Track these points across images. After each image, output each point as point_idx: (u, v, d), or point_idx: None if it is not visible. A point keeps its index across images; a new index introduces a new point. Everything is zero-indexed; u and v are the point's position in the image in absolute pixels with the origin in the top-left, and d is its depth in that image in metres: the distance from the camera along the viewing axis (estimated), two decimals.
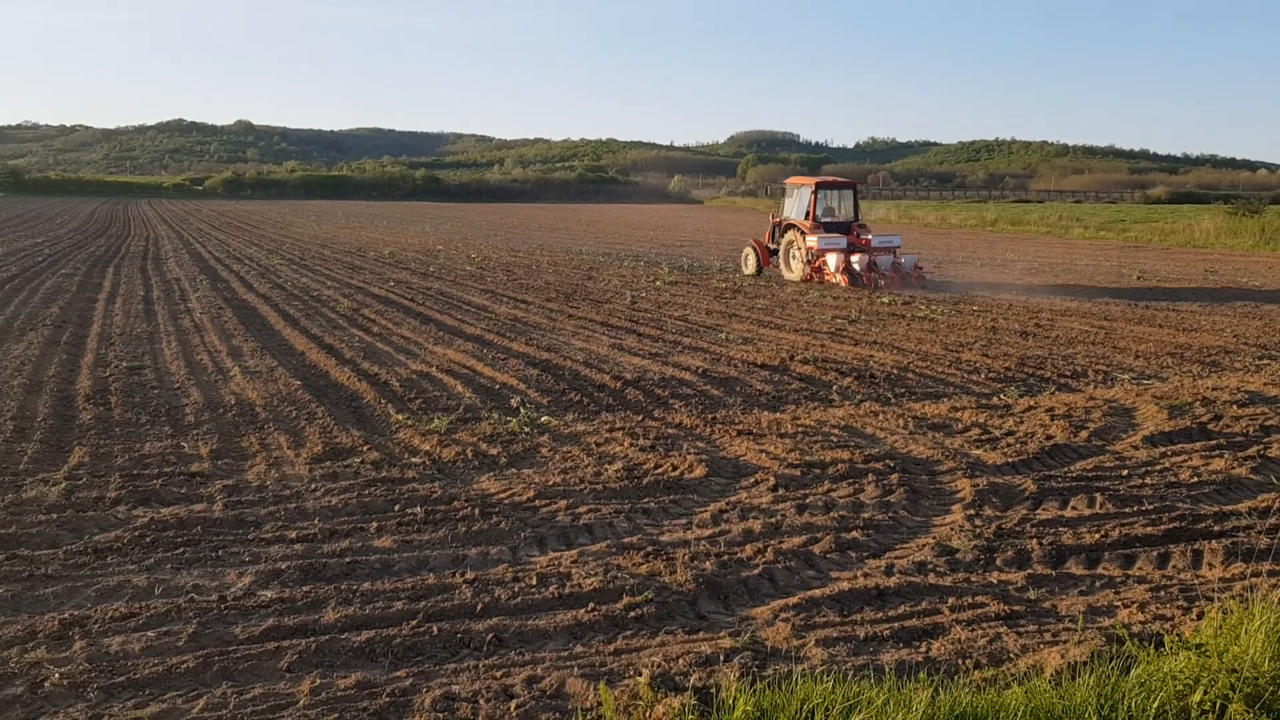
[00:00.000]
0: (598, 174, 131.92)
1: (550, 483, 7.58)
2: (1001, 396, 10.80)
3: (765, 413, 9.99)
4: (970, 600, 5.46)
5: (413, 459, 8.24)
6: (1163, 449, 8.68)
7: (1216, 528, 6.67)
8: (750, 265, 24.84)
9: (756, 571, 5.86)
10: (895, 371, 12.08)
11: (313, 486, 7.44)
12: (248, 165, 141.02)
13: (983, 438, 9.02)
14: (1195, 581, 5.84)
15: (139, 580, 5.65)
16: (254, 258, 29.01)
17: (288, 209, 71.48)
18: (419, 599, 5.42)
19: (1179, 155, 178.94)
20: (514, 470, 8.00)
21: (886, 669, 4.62)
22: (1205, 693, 4.14)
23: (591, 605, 5.36)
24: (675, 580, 5.66)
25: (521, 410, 9.81)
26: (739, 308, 18.31)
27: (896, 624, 5.17)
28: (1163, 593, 5.66)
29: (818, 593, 5.55)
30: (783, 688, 4.27)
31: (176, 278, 23.09)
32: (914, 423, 9.58)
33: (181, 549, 6.14)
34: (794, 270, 23.13)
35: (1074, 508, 7.14)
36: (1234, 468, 8.06)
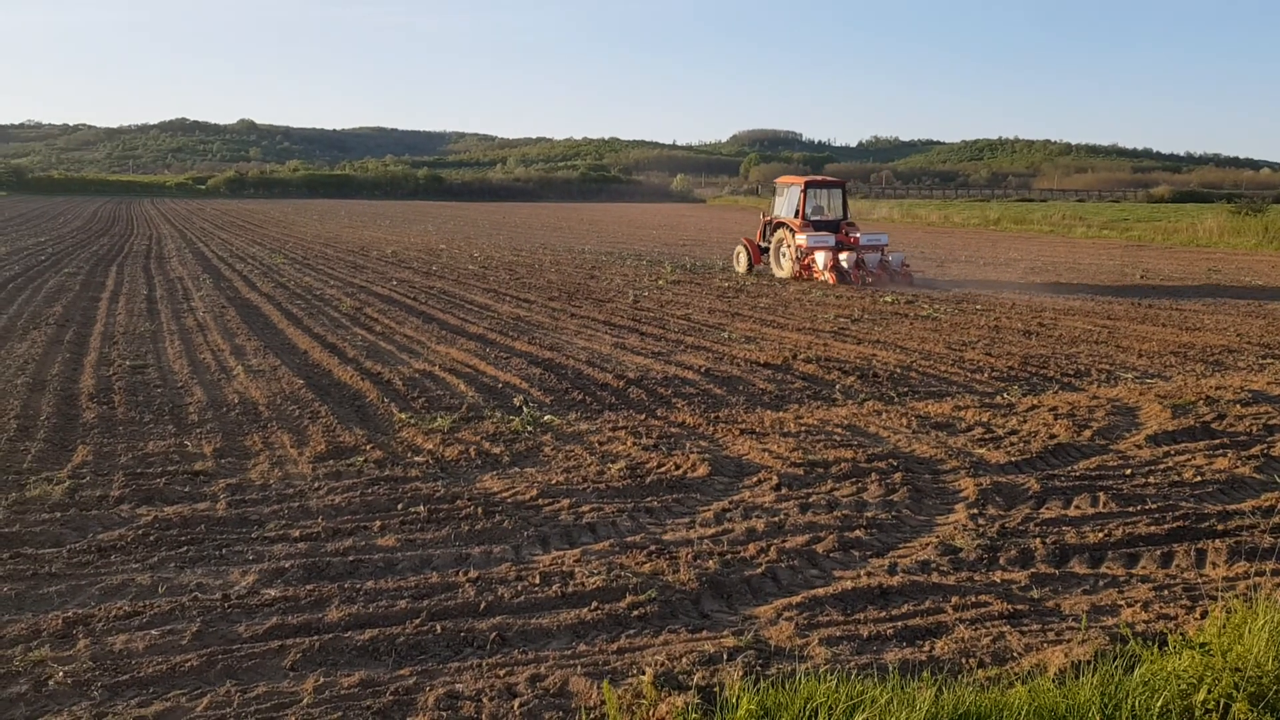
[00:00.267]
0: (600, 173, 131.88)
1: (553, 481, 7.58)
2: (1005, 395, 10.79)
3: (768, 412, 9.98)
4: (974, 599, 5.46)
5: (416, 458, 8.24)
6: (1166, 448, 8.67)
7: (1220, 527, 6.66)
8: (742, 263, 25.14)
9: (760, 570, 5.86)
10: (898, 370, 12.08)
11: (316, 485, 7.44)
12: (250, 164, 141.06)
13: (986, 437, 9.01)
14: (1199, 581, 5.84)
15: (143, 579, 5.66)
16: (257, 257, 29.03)
17: (290, 208, 71.52)
18: (422, 598, 5.43)
19: (1182, 154, 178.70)
20: (517, 469, 8.00)
21: (890, 668, 4.62)
22: (1209, 692, 4.14)
23: (595, 604, 5.36)
24: (678, 579, 5.66)
25: (524, 409, 9.81)
26: (742, 306, 18.30)
27: (900, 623, 5.17)
28: (1166, 592, 5.66)
29: (821, 592, 5.55)
30: (786, 687, 4.27)
31: (179, 277, 23.11)
32: (917, 422, 9.58)
33: (185, 548, 6.15)
34: (784, 268, 23.43)
35: (1077, 507, 7.13)
36: (1237, 467, 8.05)
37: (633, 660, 4.76)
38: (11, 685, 4.47)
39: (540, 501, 7.11)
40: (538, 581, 5.65)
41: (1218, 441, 8.86)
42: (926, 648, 4.91)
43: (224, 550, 6.13)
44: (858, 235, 23.02)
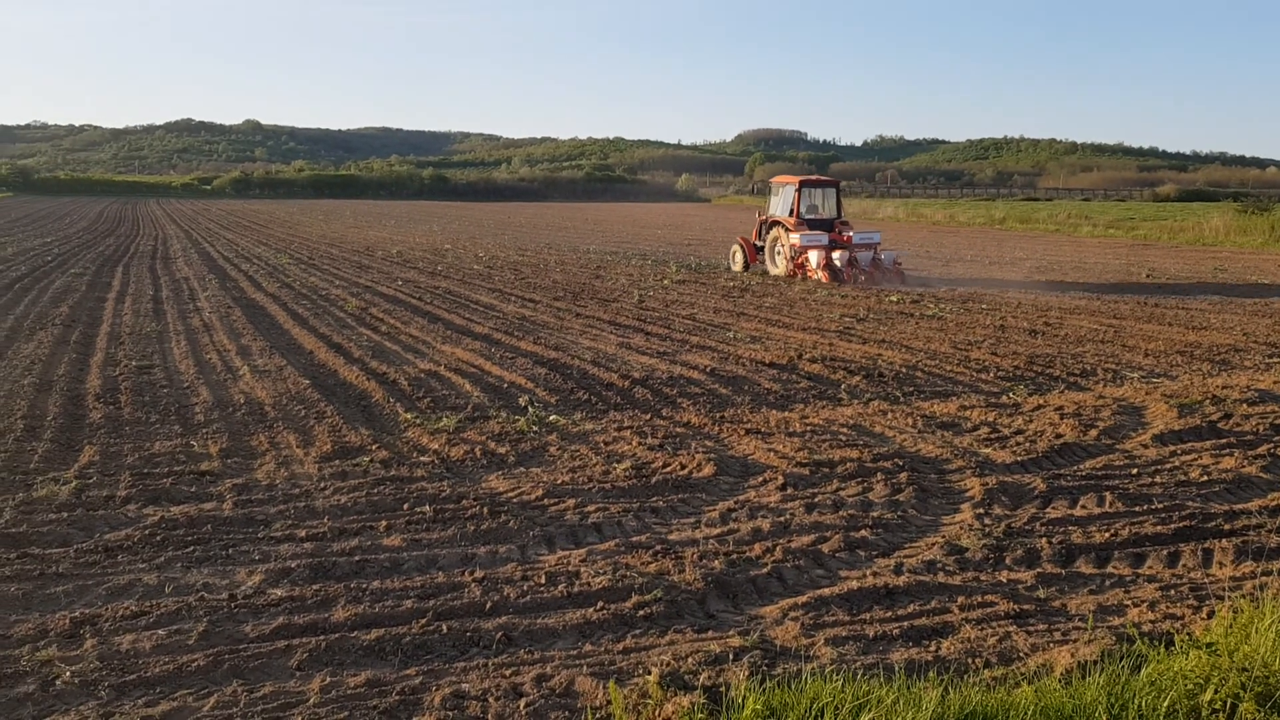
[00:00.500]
0: (605, 173, 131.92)
1: (558, 481, 7.59)
2: (1010, 395, 10.78)
3: (774, 411, 9.98)
4: (980, 599, 5.45)
5: (421, 458, 8.25)
6: (1172, 447, 8.65)
7: (1227, 526, 6.65)
8: (738, 262, 25.43)
9: (765, 570, 5.86)
10: (904, 370, 12.07)
11: (322, 485, 7.45)
12: (256, 165, 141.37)
13: (992, 436, 9.00)
14: (1205, 580, 5.83)
15: (149, 579, 5.67)
16: (262, 257, 29.07)
17: (296, 208, 71.64)
18: (428, 597, 5.43)
19: (1188, 153, 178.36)
20: (522, 469, 8.01)
21: (896, 668, 4.62)
22: (1216, 692, 4.14)
23: (600, 604, 5.36)
24: (684, 579, 5.67)
25: (530, 409, 9.81)
26: (747, 306, 18.30)
27: (906, 623, 5.16)
28: (1173, 591, 5.65)
29: (827, 592, 5.55)
30: (792, 686, 4.27)
31: (185, 277, 23.15)
32: (923, 421, 9.57)
33: (191, 547, 6.16)
34: (778, 266, 23.70)
35: (1083, 506, 7.12)
36: (1244, 466, 8.03)
37: (638, 660, 4.76)
38: (19, 685, 4.49)
39: (546, 501, 7.12)
40: (543, 581, 5.65)
41: (1224, 441, 8.84)
42: (933, 648, 4.91)
43: (230, 550, 6.14)
44: (851, 234, 23.28)
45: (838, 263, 22.31)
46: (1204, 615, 5.24)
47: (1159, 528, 6.60)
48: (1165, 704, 4.09)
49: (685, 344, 13.97)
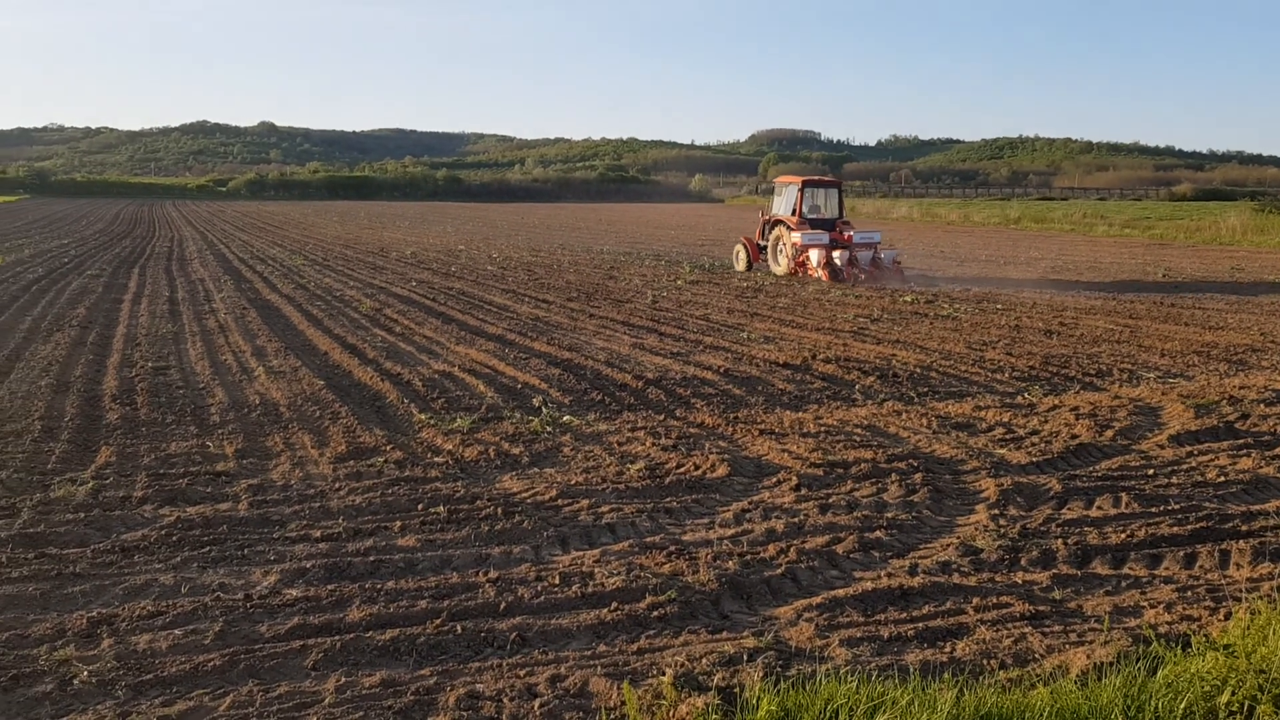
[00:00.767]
0: (618, 173, 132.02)
1: (572, 482, 7.60)
2: (1026, 395, 10.74)
3: (788, 412, 9.97)
4: (995, 600, 5.44)
5: (435, 458, 8.27)
6: (1189, 448, 8.61)
7: (1244, 527, 6.61)
8: (741, 261, 25.75)
9: (779, 571, 5.86)
10: (918, 370, 12.03)
11: (337, 486, 7.48)
12: (270, 166, 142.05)
13: (1007, 437, 8.97)
14: (1222, 582, 5.80)
15: (166, 579, 5.70)
16: (277, 258, 29.20)
17: (310, 210, 71.92)
18: (443, 598, 5.45)
19: (1204, 152, 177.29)
20: (536, 469, 8.02)
21: (911, 669, 4.61)
22: (1233, 694, 4.11)
23: (614, 604, 5.37)
24: (698, 580, 5.67)
25: (543, 410, 9.83)
26: (760, 307, 18.28)
27: (921, 624, 5.15)
28: (1189, 593, 5.62)
29: (841, 593, 5.54)
30: (806, 688, 4.27)
31: (201, 279, 23.27)
32: (937, 422, 9.54)
33: (207, 548, 6.19)
34: (780, 265, 24.03)
35: (1099, 507, 7.09)
36: (1261, 467, 7.98)
37: (653, 661, 4.76)
38: (37, 684, 4.52)
39: (560, 502, 7.13)
40: (557, 582, 5.66)
41: (1241, 441, 8.79)
42: (948, 649, 4.90)
43: (246, 550, 6.17)
44: (851, 233, 23.63)
45: (838, 262, 22.66)
46: (1221, 617, 5.21)
47: (1175, 529, 6.57)
48: (1182, 706, 4.07)
49: (699, 344, 13.97)
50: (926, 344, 14.07)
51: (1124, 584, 5.77)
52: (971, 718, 4.00)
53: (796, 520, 6.75)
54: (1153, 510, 6.97)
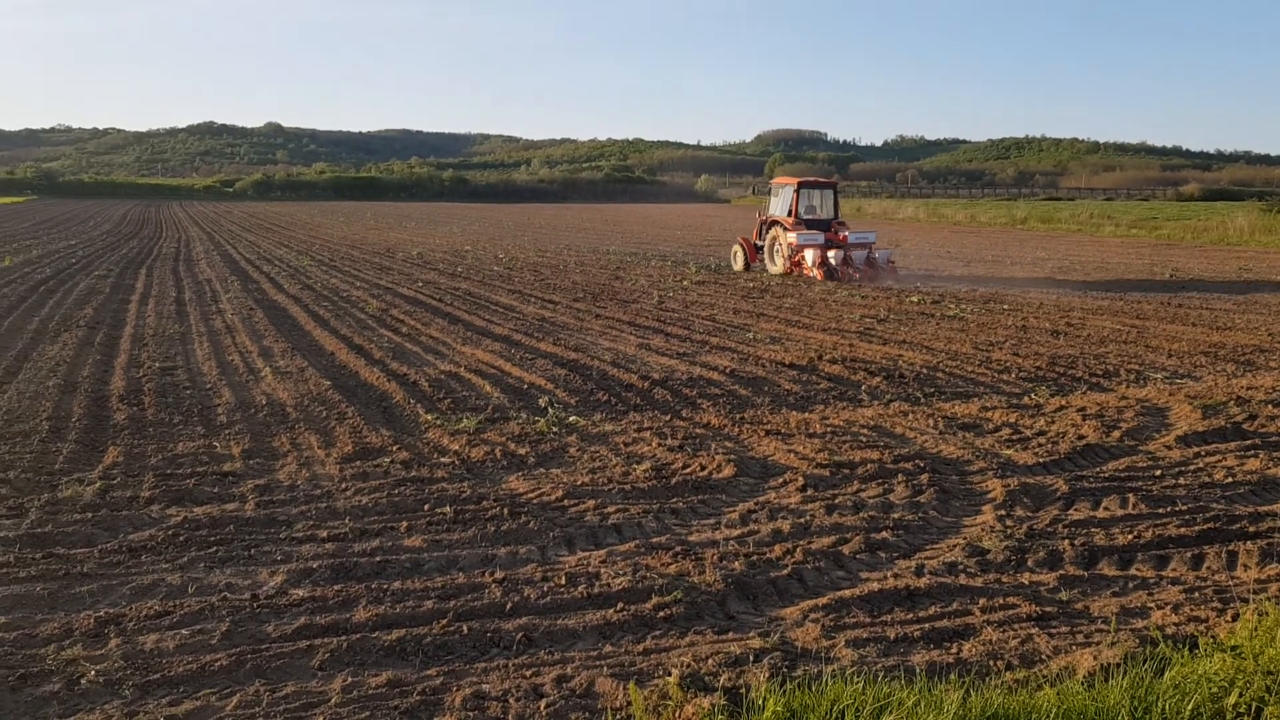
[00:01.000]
0: (624, 174, 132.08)
1: (578, 482, 7.60)
2: (1032, 396, 10.72)
3: (794, 412, 9.96)
4: (1002, 601, 5.43)
5: (442, 459, 8.28)
6: (1196, 449, 8.58)
7: (1251, 528, 6.59)
8: (739, 261, 26.12)
9: (785, 572, 5.85)
10: (925, 371, 12.02)
11: (343, 486, 7.49)
12: (277, 167, 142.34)
13: (1014, 438, 8.95)
14: (1230, 583, 5.78)
15: (173, 579, 5.71)
16: (284, 259, 29.25)
17: (317, 210, 72.03)
18: (449, 598, 5.45)
19: (1212, 152, 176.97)
20: (542, 470, 8.02)
21: (917, 670, 4.61)
22: (1240, 695, 4.10)
23: (620, 605, 5.37)
24: (704, 580, 5.66)
25: (549, 410, 9.83)
26: (766, 307, 18.27)
27: (927, 625, 5.14)
28: (1197, 594, 5.60)
29: (847, 593, 5.53)
30: (813, 688, 4.27)
31: (208, 279, 23.32)
32: (944, 422, 9.53)
33: (214, 548, 6.21)
34: (777, 264, 24.45)
35: (1106, 508, 7.08)
36: (1269, 468, 7.96)
37: (659, 661, 4.76)
38: (44, 684, 4.53)
39: (566, 502, 7.13)
40: (563, 582, 5.66)
41: (1249, 442, 8.76)
42: (954, 650, 4.89)
43: (253, 551, 6.18)
44: (846, 234, 24.05)
45: (833, 261, 23.10)
46: (1228, 618, 5.20)
47: (1183, 530, 6.55)
48: (1189, 707, 4.06)
49: (705, 345, 13.97)
50: (933, 344, 14.05)
51: (1131, 585, 5.76)
52: (978, 719, 4.00)
53: (803, 521, 6.74)
54: (1160, 511, 6.95)
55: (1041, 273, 25.92)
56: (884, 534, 6.50)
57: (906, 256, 30.94)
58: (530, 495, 7.31)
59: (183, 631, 5.02)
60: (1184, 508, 7.02)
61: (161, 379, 11.41)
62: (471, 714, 4.30)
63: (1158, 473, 7.87)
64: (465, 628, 5.07)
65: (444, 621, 5.13)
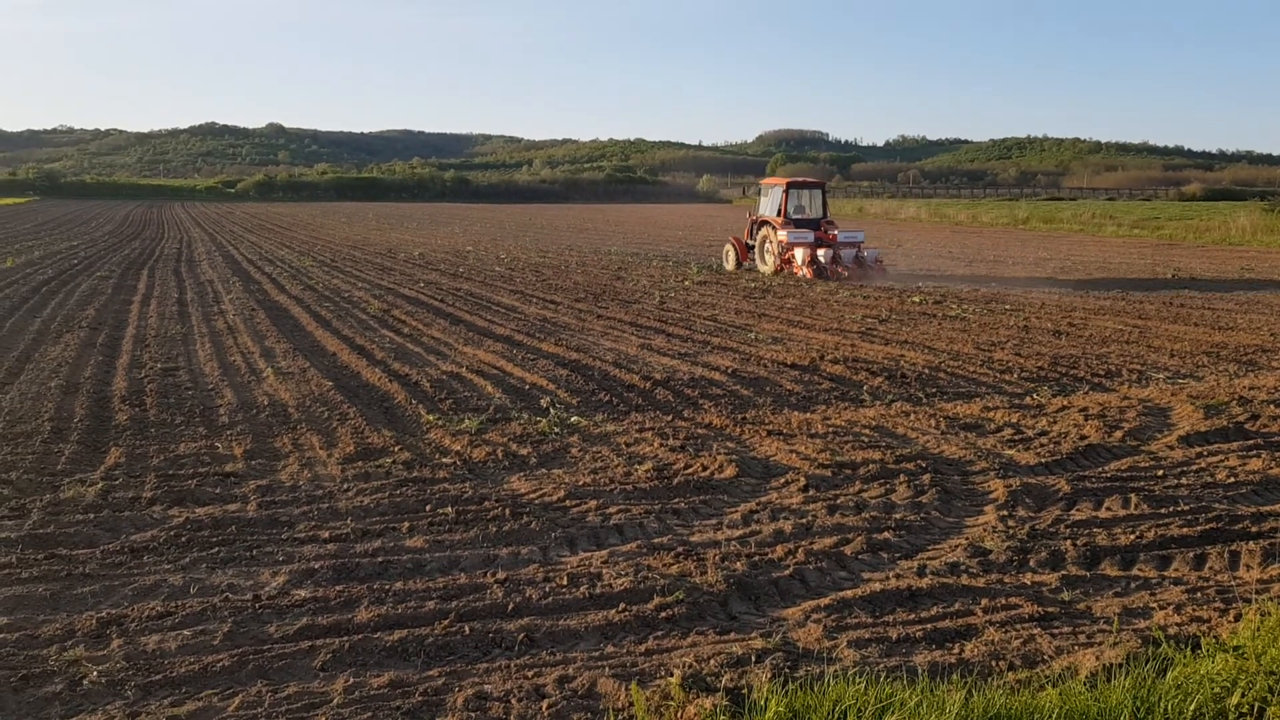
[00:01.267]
0: (626, 174, 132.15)
1: (580, 483, 7.60)
2: (1034, 396, 10.71)
3: (796, 413, 9.96)
4: (1004, 601, 5.42)
5: (444, 459, 8.28)
6: (1199, 449, 8.58)
7: (1254, 528, 6.58)
8: (730, 260, 26.46)
9: (788, 572, 5.85)
10: (927, 371, 12.02)
11: (345, 486, 7.50)
12: (279, 168, 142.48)
13: (1016, 438, 8.95)
14: (1232, 583, 5.77)
15: (175, 579, 5.72)
16: (285, 260, 29.27)
17: (318, 211, 72.08)
18: (451, 599, 5.45)
19: (1214, 151, 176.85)
20: (544, 470, 8.03)
21: (919, 670, 4.60)
22: (1243, 695, 4.10)
23: (622, 605, 5.37)
24: (706, 581, 5.66)
25: (551, 410, 9.83)
26: (768, 307, 18.27)
27: (929, 625, 5.14)
28: (1199, 594, 5.60)
29: (849, 594, 5.53)
30: (815, 689, 4.27)
31: (210, 280, 23.34)
32: (946, 423, 9.52)
33: (216, 549, 6.21)
34: (767, 263, 24.82)
35: (1108, 508, 7.07)
36: (1271, 468, 7.95)
37: (661, 662, 4.76)
38: (47, 684, 4.53)
39: (568, 503, 7.13)
40: (565, 583, 5.66)
41: (1251, 442, 8.75)
42: (956, 650, 4.89)
43: (255, 551, 6.18)
44: (835, 232, 24.42)
45: (822, 259, 23.44)
46: (1231, 618, 5.19)
47: (1185, 530, 6.55)
48: (1191, 707, 4.05)
49: (707, 345, 13.97)
50: (935, 344, 14.05)
51: (1133, 585, 5.75)
52: (980, 719, 4.00)
53: (804, 521, 6.74)
54: (1162, 511, 6.95)
55: (1043, 273, 25.91)
56: (886, 534, 6.50)
57: (908, 257, 30.96)
58: (532, 496, 7.32)
59: (185, 632, 5.02)
60: (1186, 508, 7.01)
61: (163, 380, 11.41)
62: (473, 715, 4.30)
63: (1160, 473, 7.86)
64: (467, 628, 5.07)
65: (446, 622, 5.14)
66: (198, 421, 9.51)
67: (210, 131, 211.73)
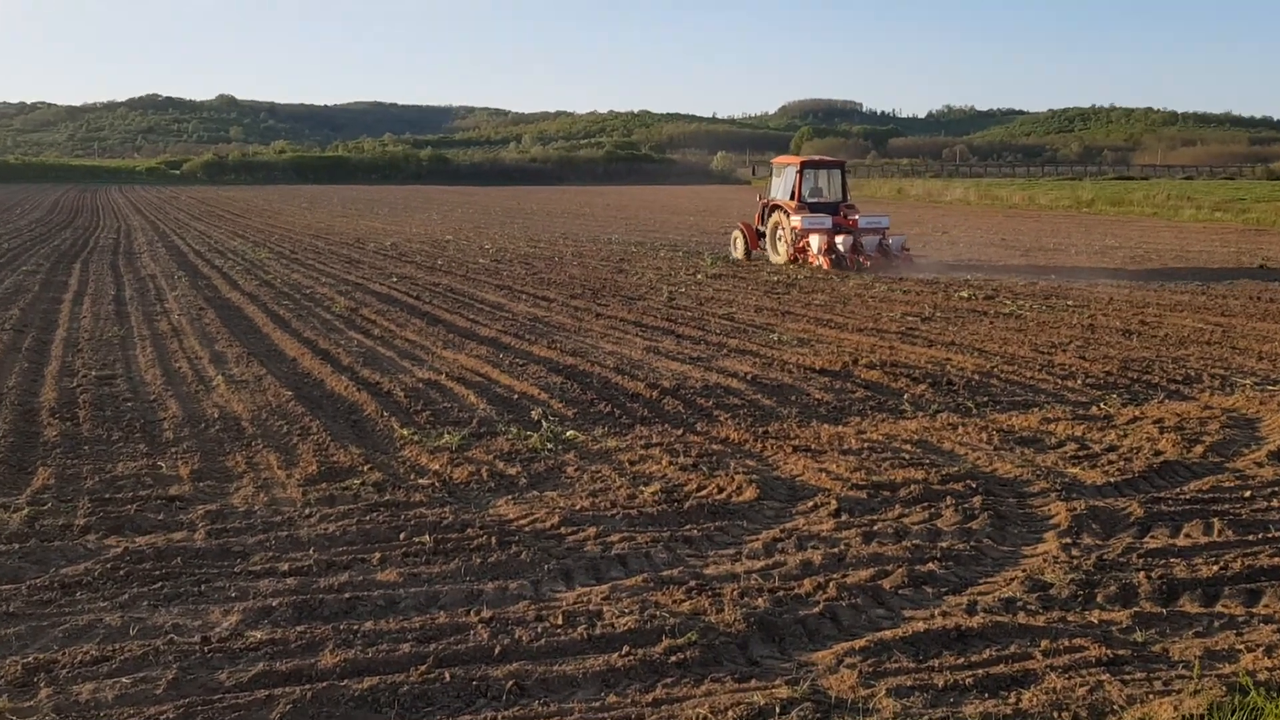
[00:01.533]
0: (629, 151, 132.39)
1: (577, 507, 7.60)
2: (1101, 406, 10.71)
3: (825, 425, 9.96)
4: (1067, 643, 5.41)
5: (420, 480, 8.29)
6: None
7: None
8: (739, 248, 26.69)
9: (817, 610, 5.85)
10: (977, 377, 12.01)
11: (307, 512, 7.50)
12: (231, 146, 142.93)
13: (1080, 454, 8.94)
14: None
15: (112, 619, 5.72)
16: (239, 251, 29.36)
17: (276, 195, 72.28)
18: (428, 641, 5.45)
19: None
20: (536, 493, 8.03)
21: None
22: None
23: (626, 648, 5.36)
24: (723, 620, 5.66)
25: (544, 424, 9.84)
26: (793, 304, 18.28)
27: (981, 671, 5.13)
28: None
29: (888, 634, 5.53)
30: None
31: (152, 274, 23.40)
32: (999, 437, 9.52)
33: (159, 583, 6.22)
34: (780, 253, 24.99)
35: (1187, 535, 7.06)
36: None
37: (670, 713, 4.76)
38: None
39: (563, 530, 7.13)
40: (560, 622, 5.66)
41: None
42: (1012, 699, 4.88)
43: (203, 586, 6.19)
44: (856, 218, 24.52)
45: (841, 248, 23.50)
46: None
47: (1276, 560, 6.53)
48: None
49: (722, 348, 13.98)
50: (986, 346, 14.05)
51: (1217, 624, 5.74)
52: None
53: (836, 551, 6.74)
54: (1250, 539, 6.93)
55: (1111, 263, 25.89)
56: (930, 566, 6.49)
57: (955, 245, 30.99)
58: (522, 522, 7.32)
59: (123, 680, 5.02)
60: (1278, 534, 6.99)
61: (99, 389, 11.44)
62: None
63: (1247, 494, 7.85)
64: (447, 674, 5.07)
65: (423, 667, 5.14)
66: (138, 437, 9.52)
67: (152, 105, 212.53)
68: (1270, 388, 11.55)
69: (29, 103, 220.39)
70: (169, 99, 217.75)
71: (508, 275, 23.05)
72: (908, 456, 8.89)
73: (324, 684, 5.00)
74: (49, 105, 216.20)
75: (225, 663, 5.23)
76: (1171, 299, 18.98)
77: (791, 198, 24.83)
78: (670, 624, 5.60)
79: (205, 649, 5.34)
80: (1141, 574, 6.33)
